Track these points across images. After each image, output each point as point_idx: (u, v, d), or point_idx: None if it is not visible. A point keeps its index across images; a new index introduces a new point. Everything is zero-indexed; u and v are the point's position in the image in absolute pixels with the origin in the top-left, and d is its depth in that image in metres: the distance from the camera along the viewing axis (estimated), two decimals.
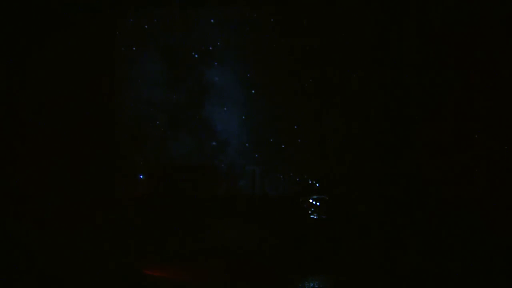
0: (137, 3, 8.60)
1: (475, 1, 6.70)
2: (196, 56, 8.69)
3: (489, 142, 6.73)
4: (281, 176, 8.74)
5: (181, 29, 8.62)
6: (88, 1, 7.76)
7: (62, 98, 7.48)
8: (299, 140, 8.68)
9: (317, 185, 8.03)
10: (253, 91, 8.74)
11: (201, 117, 8.69)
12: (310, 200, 7.60)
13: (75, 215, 7.01)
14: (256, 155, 8.77)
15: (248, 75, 8.72)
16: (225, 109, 8.71)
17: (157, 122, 8.72)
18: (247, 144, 8.75)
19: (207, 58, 8.68)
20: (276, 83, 8.63)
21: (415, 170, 7.60)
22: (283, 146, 8.71)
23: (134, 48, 8.58)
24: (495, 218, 6.19)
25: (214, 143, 8.71)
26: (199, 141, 8.70)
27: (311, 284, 5.48)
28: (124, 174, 7.57)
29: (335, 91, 8.56)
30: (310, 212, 7.54)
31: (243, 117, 8.76)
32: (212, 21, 8.67)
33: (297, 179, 8.72)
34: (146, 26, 8.63)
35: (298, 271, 5.86)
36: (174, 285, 5.47)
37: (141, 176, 8.19)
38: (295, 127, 8.70)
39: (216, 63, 8.69)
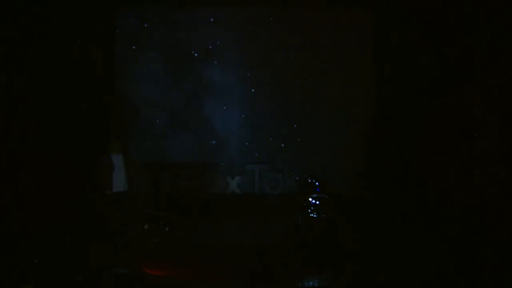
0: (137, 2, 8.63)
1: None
2: (196, 55, 8.70)
3: (490, 141, 6.74)
4: (281, 175, 8.75)
5: (181, 29, 8.63)
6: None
7: (61, 97, 7.48)
8: (299, 139, 8.69)
9: (317, 184, 8.04)
10: (253, 90, 8.74)
11: (201, 115, 8.70)
12: (310, 199, 7.60)
13: (73, 213, 7.02)
14: (256, 154, 8.78)
15: (248, 74, 8.72)
16: (225, 108, 8.71)
17: (157, 121, 8.72)
18: (247, 143, 8.76)
19: (207, 57, 8.68)
20: (276, 82, 8.64)
21: (416, 169, 7.61)
22: (283, 145, 8.71)
23: (133, 47, 8.60)
24: (495, 219, 6.20)
25: (214, 142, 8.71)
26: (199, 139, 8.71)
27: (311, 283, 5.49)
28: (123, 172, 7.56)
29: (335, 89, 8.58)
30: (309, 210, 7.55)
31: (243, 116, 8.77)
32: (212, 20, 8.67)
33: (297, 178, 8.73)
34: (145, 25, 8.65)
35: (297, 269, 5.86)
36: (174, 285, 5.48)
37: (141, 175, 8.19)
38: (295, 126, 8.71)
39: (215, 62, 8.69)
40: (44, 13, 7.28)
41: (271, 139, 8.72)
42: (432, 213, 6.91)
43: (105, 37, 8.24)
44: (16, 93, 7.00)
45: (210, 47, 8.67)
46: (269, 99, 8.67)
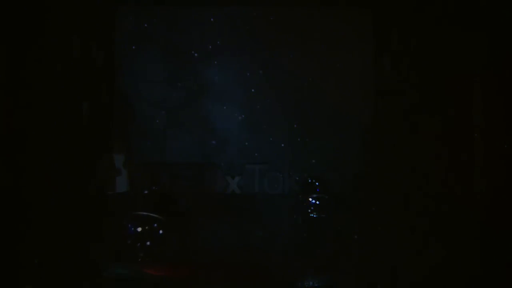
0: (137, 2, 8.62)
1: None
2: (196, 55, 8.69)
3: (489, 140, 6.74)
4: (281, 175, 8.74)
5: (181, 29, 8.63)
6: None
7: (60, 97, 7.48)
8: (299, 139, 8.69)
9: (317, 184, 8.03)
10: (253, 90, 8.74)
11: (201, 115, 8.69)
12: (310, 199, 7.61)
13: (73, 213, 7.02)
14: (256, 154, 8.77)
15: (248, 74, 8.72)
16: (224, 108, 8.70)
17: (157, 121, 8.72)
18: (247, 143, 8.75)
19: (207, 57, 8.68)
20: (276, 82, 8.64)
21: (416, 169, 7.61)
22: (283, 145, 8.71)
23: (133, 47, 8.59)
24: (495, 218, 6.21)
25: (213, 142, 8.70)
26: (199, 139, 8.69)
27: (310, 283, 5.50)
28: (123, 172, 7.56)
29: (334, 89, 8.58)
30: (309, 210, 7.56)
31: (243, 116, 8.76)
32: (212, 20, 8.67)
33: (297, 178, 8.72)
34: (145, 25, 8.64)
35: (297, 270, 5.87)
36: (174, 285, 5.49)
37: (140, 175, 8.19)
38: (295, 126, 8.71)
39: (215, 62, 8.68)
40: (44, 13, 7.28)
41: (271, 139, 8.72)
42: (433, 213, 6.90)
43: (105, 37, 8.23)
44: (16, 92, 7.00)
45: (210, 47, 8.67)
46: (269, 99, 8.66)
